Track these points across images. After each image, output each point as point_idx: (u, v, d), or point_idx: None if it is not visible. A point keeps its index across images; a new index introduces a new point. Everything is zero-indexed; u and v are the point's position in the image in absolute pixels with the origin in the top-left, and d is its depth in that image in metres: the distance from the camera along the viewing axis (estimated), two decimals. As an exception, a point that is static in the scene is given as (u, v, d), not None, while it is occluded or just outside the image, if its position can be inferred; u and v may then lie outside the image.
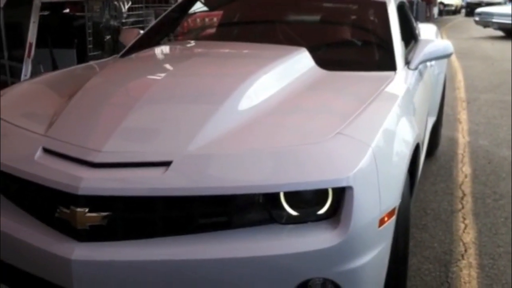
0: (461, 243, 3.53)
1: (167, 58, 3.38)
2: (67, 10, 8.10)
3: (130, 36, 3.87)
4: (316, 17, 4.04)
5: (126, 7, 6.56)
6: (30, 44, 5.57)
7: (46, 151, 2.13)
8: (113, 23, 6.25)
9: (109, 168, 1.99)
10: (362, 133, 2.17)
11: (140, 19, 6.93)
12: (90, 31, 6.04)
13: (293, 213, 1.98)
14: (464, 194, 4.36)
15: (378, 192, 2.04)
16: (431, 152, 5.07)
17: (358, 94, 2.67)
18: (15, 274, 2.14)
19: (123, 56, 3.56)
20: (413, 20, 4.49)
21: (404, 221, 2.36)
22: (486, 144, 5.74)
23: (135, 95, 2.41)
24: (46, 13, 6.68)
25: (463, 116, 7.00)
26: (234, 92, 2.37)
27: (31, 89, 2.91)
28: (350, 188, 1.94)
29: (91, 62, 3.70)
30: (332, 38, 3.71)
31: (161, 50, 3.46)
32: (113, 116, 2.27)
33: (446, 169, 4.98)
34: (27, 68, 5.60)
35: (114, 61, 3.44)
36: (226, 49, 3.40)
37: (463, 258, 3.35)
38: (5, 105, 2.56)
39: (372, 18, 3.75)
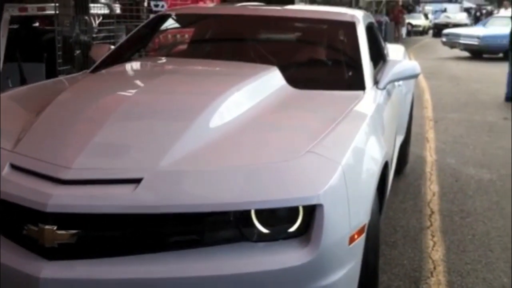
0: (430, 260, 3.57)
1: (139, 74, 3.37)
2: (37, 24, 8.04)
3: (101, 51, 3.86)
4: (287, 36, 4.11)
5: (97, 22, 6.52)
6: (-2, 58, 5.51)
7: (14, 167, 2.08)
8: (83, 38, 6.20)
9: (78, 185, 1.96)
10: (332, 151, 2.20)
11: (111, 34, 6.89)
12: (59, 45, 5.98)
13: (264, 230, 1.97)
14: (433, 212, 4.41)
15: (348, 210, 2.06)
16: (400, 170, 5.13)
17: (328, 113, 2.71)
18: None
19: (93, 71, 3.53)
20: (381, 40, 4.56)
21: (374, 238, 2.39)
22: (453, 162, 5.84)
23: (106, 111, 2.39)
24: (15, 26, 6.62)
25: (430, 135, 7.11)
26: (205, 109, 2.38)
27: (5, 103, 2.86)
28: (321, 205, 1.95)
29: (61, 77, 3.65)
30: (303, 57, 3.75)
31: (132, 66, 3.44)
32: (83, 132, 2.24)
33: (414, 187, 5.04)
34: (-6, 82, 5.53)
35: (84, 76, 3.42)
36: (198, 66, 3.41)
37: (432, 276, 3.38)
38: None
39: (341, 38, 3.81)
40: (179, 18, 4.31)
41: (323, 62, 3.70)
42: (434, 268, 3.48)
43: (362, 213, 2.18)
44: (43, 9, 6.22)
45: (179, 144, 2.12)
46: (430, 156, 6.09)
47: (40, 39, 6.81)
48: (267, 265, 1.91)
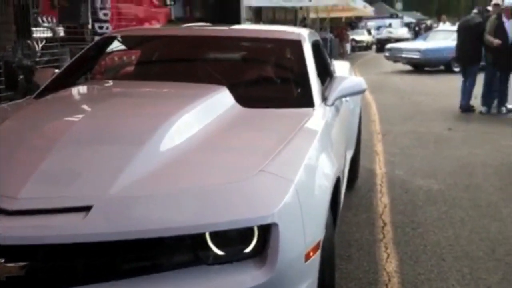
0: (384, 273, 3.61)
1: (85, 98, 3.31)
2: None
3: (45, 75, 3.77)
4: (235, 56, 4.11)
5: (40, 45, 6.39)
6: None
7: None
8: (27, 62, 6.06)
9: (26, 215, 1.89)
10: (284, 169, 2.20)
11: (55, 57, 6.77)
12: (1, 70, 5.82)
13: (220, 252, 1.95)
14: (385, 224, 4.47)
15: (302, 227, 2.07)
16: (351, 184, 5.19)
17: (278, 131, 2.73)
18: None
19: (37, 97, 3.43)
20: (327, 57, 4.63)
21: (329, 253, 2.40)
22: (402, 174, 5.95)
23: (53, 138, 2.34)
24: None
25: (379, 147, 7.24)
26: (155, 132, 2.35)
27: None
28: (275, 224, 1.94)
29: (4, 104, 3.54)
30: (251, 76, 3.76)
31: (79, 90, 3.38)
32: (29, 160, 2.18)
33: (366, 199, 5.11)
34: None
35: (28, 102, 3.33)
36: (146, 88, 3.37)
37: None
38: None
39: (288, 56, 3.85)
40: (125, 40, 4.27)
41: (271, 81, 3.72)
42: (389, 280, 3.52)
43: (316, 229, 2.19)
44: (-17, 34, 6.05)
45: (129, 169, 2.08)
46: (379, 168, 6.19)
47: (-20, 64, 6.61)
48: (224, 287, 1.90)
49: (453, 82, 14.25)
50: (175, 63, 3.97)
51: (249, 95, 3.29)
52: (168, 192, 2.01)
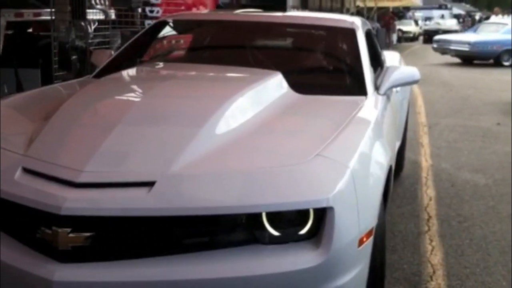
0: (429, 265, 3.59)
1: (143, 79, 3.40)
2: (30, 30, 8.02)
3: (103, 57, 3.88)
4: (288, 42, 4.14)
5: (93, 27, 6.52)
6: (-6, 63, 5.49)
7: (26, 170, 2.08)
8: (79, 43, 6.20)
9: (92, 188, 1.96)
10: (340, 154, 2.22)
11: (106, 40, 6.89)
12: (55, 51, 5.96)
13: (275, 233, 1.99)
14: (430, 216, 4.44)
15: (357, 213, 2.09)
16: (396, 175, 5.15)
17: (332, 118, 2.75)
18: None
19: (96, 76, 3.55)
20: (379, 46, 4.60)
21: (381, 241, 2.41)
22: (449, 167, 5.88)
23: (115, 116, 2.40)
24: (9, 32, 6.60)
25: (425, 140, 7.15)
26: (213, 115, 2.39)
27: (7, 108, 2.85)
28: (331, 208, 1.97)
29: (66, 82, 3.65)
30: (304, 63, 3.79)
31: (136, 71, 3.47)
32: (94, 135, 2.25)
33: (411, 192, 5.07)
34: (-10, 88, 5.51)
35: (89, 81, 3.42)
36: (202, 71, 3.42)
37: (431, 280, 3.40)
38: None
39: (342, 44, 3.84)
40: (180, 24, 4.33)
41: (324, 68, 3.74)
42: (434, 272, 3.50)
43: (370, 216, 2.21)
44: (39, 14, 6.19)
45: (189, 149, 2.14)
46: (425, 161, 6.12)
47: (35, 44, 6.77)
48: (278, 267, 1.93)
49: (503, 76, 13.99)
50: (229, 48, 4.02)
51: (302, 82, 3.30)
52: (227, 172, 2.06)
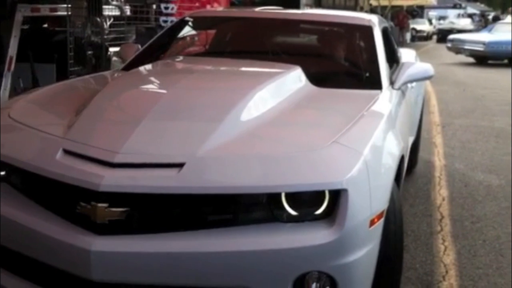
0: (442, 265, 3.58)
1: (170, 72, 3.60)
2: (45, 25, 8.07)
3: (130, 51, 4.09)
4: (308, 38, 4.41)
5: (108, 23, 6.55)
6: (11, 58, 5.55)
7: (66, 152, 2.28)
8: (95, 39, 6.24)
9: (127, 168, 2.16)
10: (355, 142, 2.39)
11: (121, 35, 6.92)
12: (71, 46, 6.01)
13: (293, 212, 2.17)
14: (443, 216, 4.43)
15: (369, 195, 2.26)
16: (410, 170, 5.17)
17: (349, 109, 2.88)
18: (34, 266, 2.28)
19: (125, 69, 3.74)
20: (395, 43, 4.64)
21: (396, 223, 2.57)
22: (462, 167, 5.86)
23: (147, 105, 2.59)
24: (25, 27, 6.65)
25: (438, 140, 7.13)
26: (237, 104, 2.58)
27: (45, 96, 3.09)
28: (345, 190, 2.14)
29: (97, 74, 3.99)
30: (323, 57, 3.99)
31: (163, 65, 3.69)
32: (128, 121, 2.47)
33: (424, 191, 5.06)
34: (6, 82, 5.56)
35: (118, 74, 3.63)
36: (227, 64, 3.61)
37: (444, 280, 3.40)
38: (22, 110, 2.75)
39: (359, 40, 3.97)
40: (203, 21, 4.59)
41: (342, 63, 3.92)
42: (446, 272, 3.50)
43: (381, 200, 2.36)
44: (55, 10, 6.24)
45: (215, 134, 2.33)
46: (438, 161, 6.11)
47: (50, 40, 6.82)
48: (296, 242, 2.11)
49: (517, 77, 13.88)
50: (251, 44, 4.17)
51: (321, 76, 3.44)
52: (250, 155, 2.26)
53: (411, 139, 4.57)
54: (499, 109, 9.50)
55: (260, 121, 2.52)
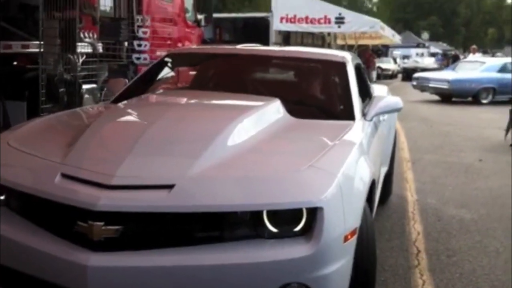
0: (421, 299, 3.59)
1: (158, 103, 3.89)
2: (15, 63, 7.98)
3: (119, 85, 4.37)
4: (286, 73, 4.71)
5: (81, 60, 6.53)
6: (-18, 95, 5.45)
7: (64, 176, 2.48)
8: (67, 76, 6.20)
9: (121, 189, 2.36)
10: (329, 166, 2.64)
11: (93, 73, 6.90)
12: (43, 83, 5.96)
13: (274, 229, 2.39)
14: (419, 251, 4.46)
15: (343, 214, 2.48)
16: (384, 199, 5.24)
17: (324, 138, 3.13)
18: (34, 283, 2.44)
19: (114, 101, 3.96)
20: (367, 79, 4.83)
21: (368, 241, 2.79)
22: (434, 202, 5.93)
23: (138, 132, 2.80)
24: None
25: (409, 175, 7.22)
26: (222, 131, 2.81)
27: (42, 125, 3.31)
28: (321, 208, 2.37)
29: (89, 106, 4.35)
30: (300, 91, 4.24)
31: (151, 98, 3.95)
32: (121, 148, 2.66)
33: (399, 226, 5.10)
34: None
35: (108, 106, 3.89)
36: (211, 97, 3.91)
37: (424, 314, 3.41)
38: (21, 139, 2.95)
39: (333, 75, 4.18)
40: (188, 56, 4.93)
41: (318, 96, 4.16)
42: (426, 306, 3.50)
43: (354, 218, 2.59)
44: (27, 46, 6.20)
45: (203, 158, 2.54)
46: (411, 196, 6.18)
47: (21, 77, 6.74)
48: (277, 256, 2.32)
49: (481, 114, 14.24)
50: (233, 78, 4.38)
51: (299, 108, 3.65)
52: (234, 177, 2.48)
53: (384, 169, 4.77)
54: (465, 144, 9.70)
55: (244, 147, 2.75)
